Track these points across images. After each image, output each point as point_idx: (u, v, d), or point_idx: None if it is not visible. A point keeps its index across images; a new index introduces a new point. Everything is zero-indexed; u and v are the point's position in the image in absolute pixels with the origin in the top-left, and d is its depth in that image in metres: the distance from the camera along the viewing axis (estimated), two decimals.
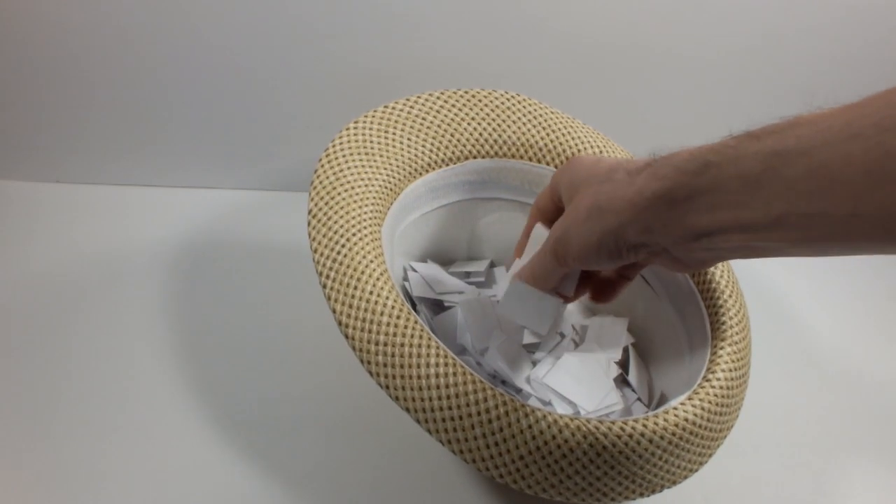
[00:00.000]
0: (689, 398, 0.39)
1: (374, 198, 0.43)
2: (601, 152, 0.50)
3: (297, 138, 0.63)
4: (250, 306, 0.55)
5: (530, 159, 0.50)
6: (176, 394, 0.49)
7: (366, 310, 0.38)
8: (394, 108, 0.48)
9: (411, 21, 0.57)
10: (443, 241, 0.53)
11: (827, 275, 0.66)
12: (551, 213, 0.41)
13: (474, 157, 0.49)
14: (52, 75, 0.57)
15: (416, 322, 0.38)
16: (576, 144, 0.50)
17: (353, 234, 0.40)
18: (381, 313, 0.38)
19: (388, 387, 0.37)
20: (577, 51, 0.60)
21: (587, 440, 0.35)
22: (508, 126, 0.49)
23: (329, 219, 0.41)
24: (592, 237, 0.34)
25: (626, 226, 0.32)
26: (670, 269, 0.35)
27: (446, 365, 0.36)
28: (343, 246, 0.40)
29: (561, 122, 0.50)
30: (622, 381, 0.49)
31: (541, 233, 0.41)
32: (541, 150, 0.49)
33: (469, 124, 0.49)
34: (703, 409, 0.38)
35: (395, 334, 0.37)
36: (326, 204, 0.42)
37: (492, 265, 0.55)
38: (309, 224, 0.41)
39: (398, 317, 0.38)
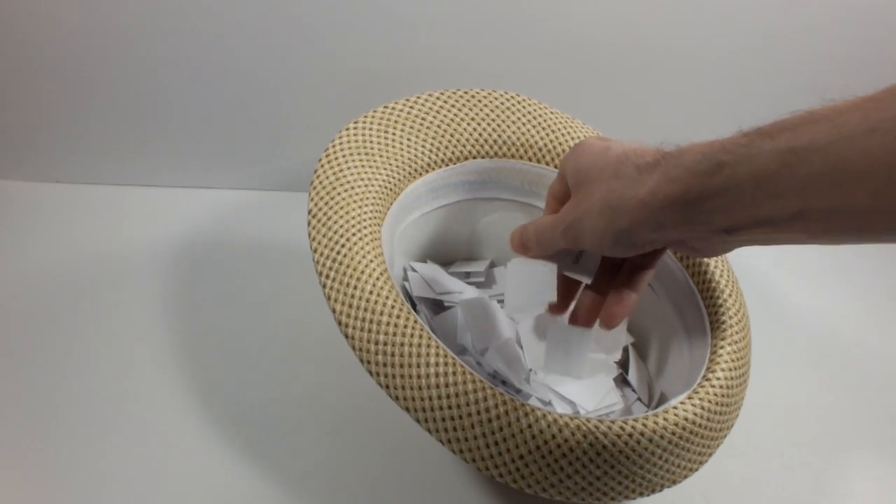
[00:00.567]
0: (689, 398, 0.39)
1: (374, 198, 0.43)
2: None
3: (297, 138, 0.63)
4: (250, 306, 0.55)
5: (530, 159, 0.50)
6: (176, 394, 0.49)
7: (366, 309, 0.38)
8: (394, 108, 0.48)
9: (411, 21, 0.57)
10: (443, 241, 0.53)
11: (827, 275, 0.66)
12: (567, 199, 0.40)
13: (474, 158, 0.49)
14: (52, 75, 0.57)
15: (416, 322, 0.38)
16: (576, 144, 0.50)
17: (353, 234, 0.40)
18: (381, 313, 0.38)
19: (388, 386, 0.37)
20: (577, 51, 0.60)
21: (587, 440, 0.35)
22: (508, 126, 0.49)
23: (329, 219, 0.41)
24: (606, 234, 0.34)
25: (640, 225, 0.33)
26: (690, 255, 0.36)
27: (446, 365, 0.36)
28: (343, 246, 0.40)
29: (561, 122, 0.50)
30: (622, 381, 0.49)
31: None
32: (541, 150, 0.49)
33: (469, 124, 0.49)
34: (702, 408, 0.38)
35: (395, 334, 0.37)
36: (326, 204, 0.42)
37: (492, 265, 0.55)
38: (309, 224, 0.41)
39: (398, 317, 0.38)
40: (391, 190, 0.45)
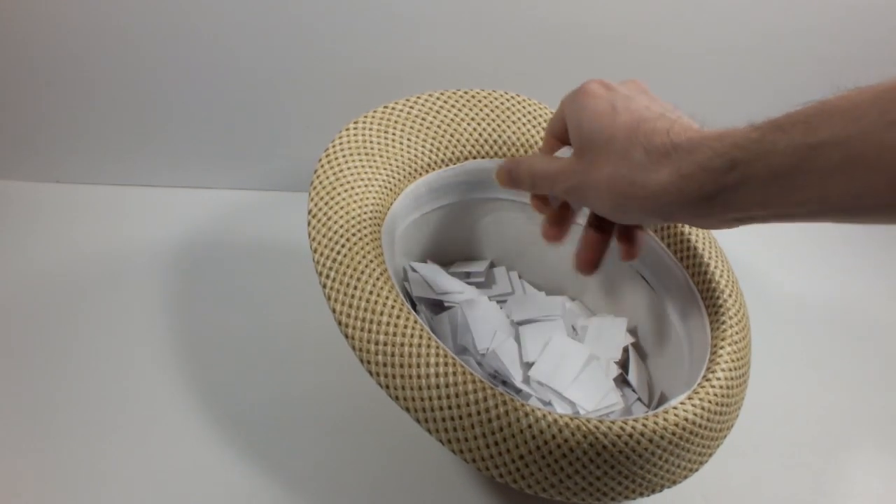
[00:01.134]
0: (689, 398, 0.39)
1: (374, 198, 0.43)
2: None
3: (297, 138, 0.63)
4: (250, 306, 0.55)
5: None
6: (176, 394, 0.49)
7: (366, 309, 0.38)
8: (394, 108, 0.48)
9: (411, 21, 0.57)
10: (443, 241, 0.53)
11: (827, 275, 0.66)
12: (565, 138, 0.39)
13: (474, 158, 0.49)
14: (51, 75, 0.57)
15: (416, 322, 0.38)
16: None
17: (353, 234, 0.40)
18: (381, 313, 0.38)
19: (388, 387, 0.37)
20: (577, 51, 0.60)
21: (587, 440, 0.35)
22: (508, 126, 0.49)
23: (329, 219, 0.41)
24: (613, 213, 0.34)
25: (648, 214, 0.33)
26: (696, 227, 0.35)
27: (446, 365, 0.36)
28: (343, 246, 0.40)
29: None
30: (622, 381, 0.49)
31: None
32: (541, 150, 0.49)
33: (469, 124, 0.49)
34: (703, 408, 0.38)
35: (395, 334, 0.37)
36: (326, 204, 0.42)
37: (492, 265, 0.55)
38: (309, 224, 0.41)
39: (398, 317, 0.38)
40: (391, 190, 0.45)
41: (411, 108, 0.48)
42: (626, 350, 0.50)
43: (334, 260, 0.39)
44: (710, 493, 0.48)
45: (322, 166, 0.44)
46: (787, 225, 0.31)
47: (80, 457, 0.45)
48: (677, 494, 0.46)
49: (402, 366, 0.37)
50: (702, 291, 0.45)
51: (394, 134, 0.47)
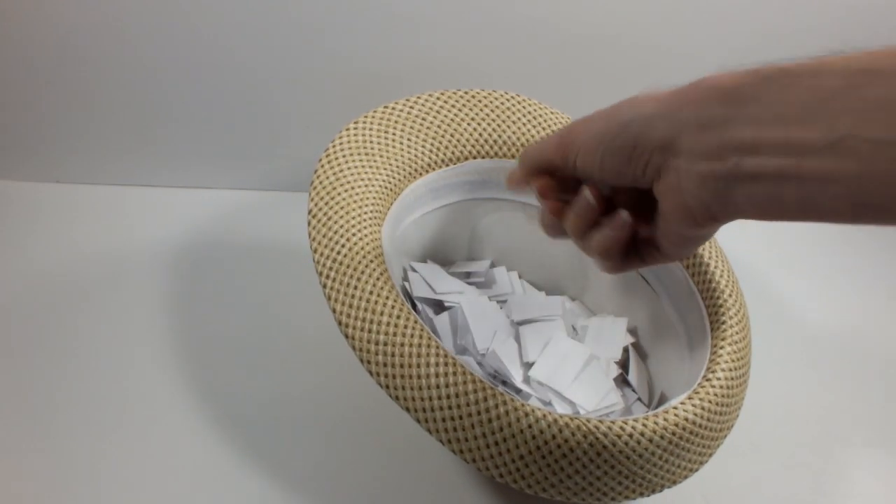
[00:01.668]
0: (689, 398, 0.39)
1: (374, 198, 0.43)
2: None
3: (297, 138, 0.63)
4: (250, 306, 0.55)
5: None
6: (176, 394, 0.49)
7: (366, 310, 0.38)
8: (394, 108, 0.48)
9: (411, 21, 0.57)
10: (443, 241, 0.53)
11: (827, 275, 0.66)
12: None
13: (474, 158, 0.49)
14: (52, 75, 0.57)
15: (416, 322, 0.38)
16: None
17: (353, 234, 0.40)
18: (381, 313, 0.38)
19: (388, 386, 0.37)
20: (576, 51, 0.60)
21: (587, 440, 0.35)
22: (508, 126, 0.49)
23: (329, 219, 0.41)
24: (611, 126, 0.30)
25: (655, 118, 0.28)
26: (672, 218, 0.30)
27: (446, 365, 0.36)
28: (343, 246, 0.40)
29: (561, 123, 0.50)
30: (622, 381, 0.49)
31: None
32: None
33: (469, 124, 0.49)
34: (703, 408, 0.38)
35: (395, 334, 0.37)
36: (326, 204, 0.42)
37: (492, 265, 0.55)
38: (309, 224, 0.41)
39: (398, 317, 0.38)
40: (391, 190, 0.45)
41: (411, 108, 0.48)
42: (626, 350, 0.50)
43: (334, 260, 0.39)
44: (710, 493, 0.48)
45: (322, 166, 0.44)
46: (787, 225, 0.30)
47: (80, 457, 0.45)
48: (677, 494, 0.46)
49: (402, 366, 0.37)
50: (702, 291, 0.45)
51: (394, 134, 0.47)
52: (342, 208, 0.41)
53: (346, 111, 0.49)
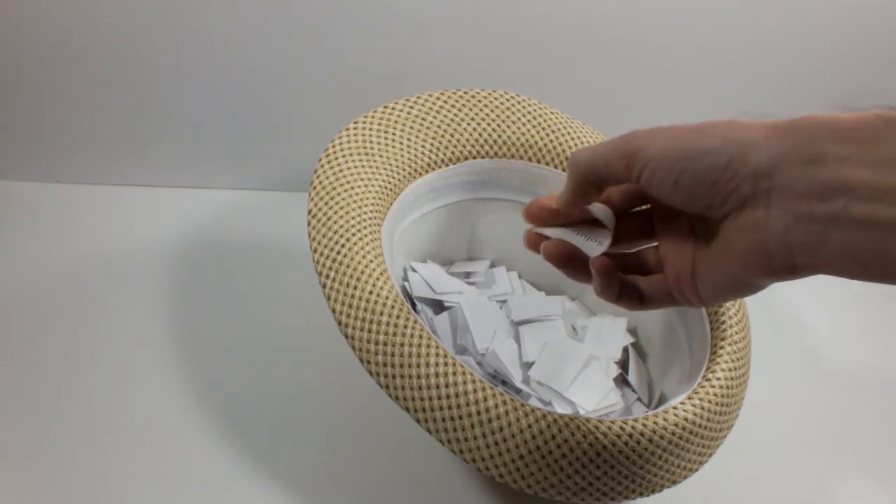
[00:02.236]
0: (689, 398, 0.39)
1: (374, 198, 0.43)
2: None
3: (297, 138, 0.63)
4: (250, 306, 0.55)
5: (530, 159, 0.50)
6: (176, 394, 0.49)
7: (365, 309, 0.38)
8: (394, 108, 0.48)
9: (411, 21, 0.57)
10: (443, 241, 0.53)
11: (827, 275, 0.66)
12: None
13: (474, 157, 0.49)
14: (52, 75, 0.57)
15: (416, 322, 0.38)
16: (575, 144, 0.50)
17: (353, 234, 0.40)
18: (381, 313, 0.38)
19: (388, 386, 0.37)
20: (576, 51, 0.60)
21: (587, 440, 0.35)
22: (508, 126, 0.49)
23: (329, 219, 0.41)
24: (697, 146, 0.26)
25: (754, 145, 0.25)
26: (740, 257, 0.27)
27: (446, 365, 0.36)
28: (343, 246, 0.40)
29: (561, 122, 0.50)
30: (622, 381, 0.49)
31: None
32: (541, 150, 0.49)
33: (469, 124, 0.49)
34: (702, 408, 0.38)
35: (395, 334, 0.37)
36: (326, 204, 0.42)
37: (492, 265, 0.55)
38: (309, 224, 0.41)
39: (398, 317, 0.38)
40: (391, 190, 0.45)
41: (411, 108, 0.48)
42: (626, 350, 0.50)
43: (334, 260, 0.39)
44: (710, 493, 0.48)
45: (322, 166, 0.44)
46: None
47: (80, 457, 0.45)
48: (677, 494, 0.46)
49: (402, 366, 0.37)
50: None
51: (394, 134, 0.47)
52: (342, 208, 0.41)
53: (346, 111, 0.49)
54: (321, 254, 0.40)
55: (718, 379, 0.40)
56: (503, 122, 0.49)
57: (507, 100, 0.50)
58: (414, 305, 0.49)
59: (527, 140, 0.49)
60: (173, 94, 0.59)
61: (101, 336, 0.52)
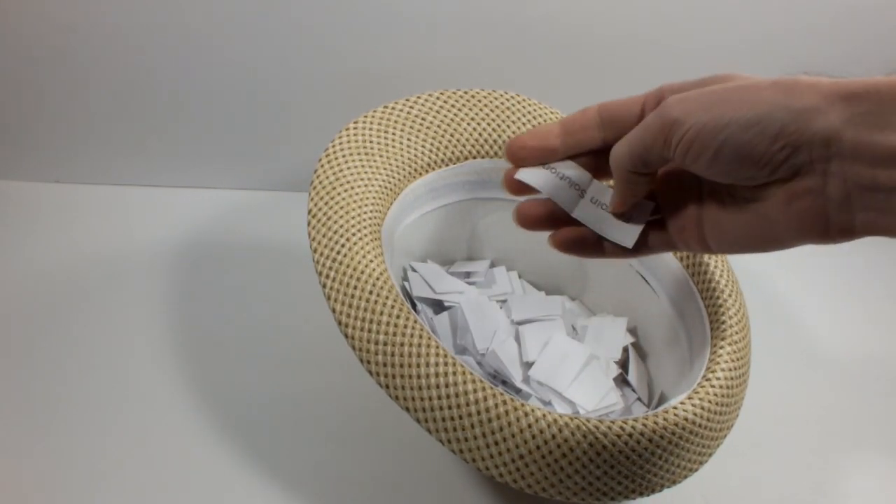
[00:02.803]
0: (689, 397, 0.39)
1: (374, 198, 0.43)
2: None
3: (297, 138, 0.63)
4: (250, 306, 0.55)
5: None
6: (176, 394, 0.49)
7: (365, 309, 0.38)
8: (393, 108, 0.48)
9: (411, 21, 0.57)
10: (443, 241, 0.53)
11: (826, 275, 0.66)
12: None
13: (474, 157, 0.49)
14: (52, 75, 0.57)
15: (416, 322, 0.38)
16: None
17: (353, 234, 0.40)
18: (381, 313, 0.38)
19: (388, 386, 0.37)
20: (576, 51, 0.60)
21: (587, 440, 0.35)
22: (508, 126, 0.49)
23: (329, 219, 0.41)
24: (742, 112, 0.24)
25: (814, 111, 0.24)
26: (792, 224, 0.26)
27: (446, 364, 0.36)
28: (343, 246, 0.40)
29: None
30: (622, 381, 0.49)
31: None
32: None
33: (469, 124, 0.49)
34: (703, 408, 0.38)
35: (395, 334, 0.37)
36: (326, 204, 0.42)
37: (492, 265, 0.55)
38: (309, 224, 0.41)
39: (398, 316, 0.38)
40: (391, 190, 0.45)
41: (411, 108, 0.48)
42: (626, 350, 0.50)
43: (334, 260, 0.39)
44: (710, 493, 0.48)
45: (322, 166, 0.44)
46: None
47: (80, 457, 0.45)
48: (677, 494, 0.46)
49: (402, 366, 0.37)
50: (702, 291, 0.45)
51: (394, 134, 0.47)
52: (342, 208, 0.41)
53: (346, 111, 0.48)
54: (321, 254, 0.40)
55: (718, 379, 0.40)
56: (503, 122, 0.49)
57: (507, 100, 0.50)
58: (414, 305, 0.49)
59: None
60: (173, 94, 0.59)
61: (101, 336, 0.52)
